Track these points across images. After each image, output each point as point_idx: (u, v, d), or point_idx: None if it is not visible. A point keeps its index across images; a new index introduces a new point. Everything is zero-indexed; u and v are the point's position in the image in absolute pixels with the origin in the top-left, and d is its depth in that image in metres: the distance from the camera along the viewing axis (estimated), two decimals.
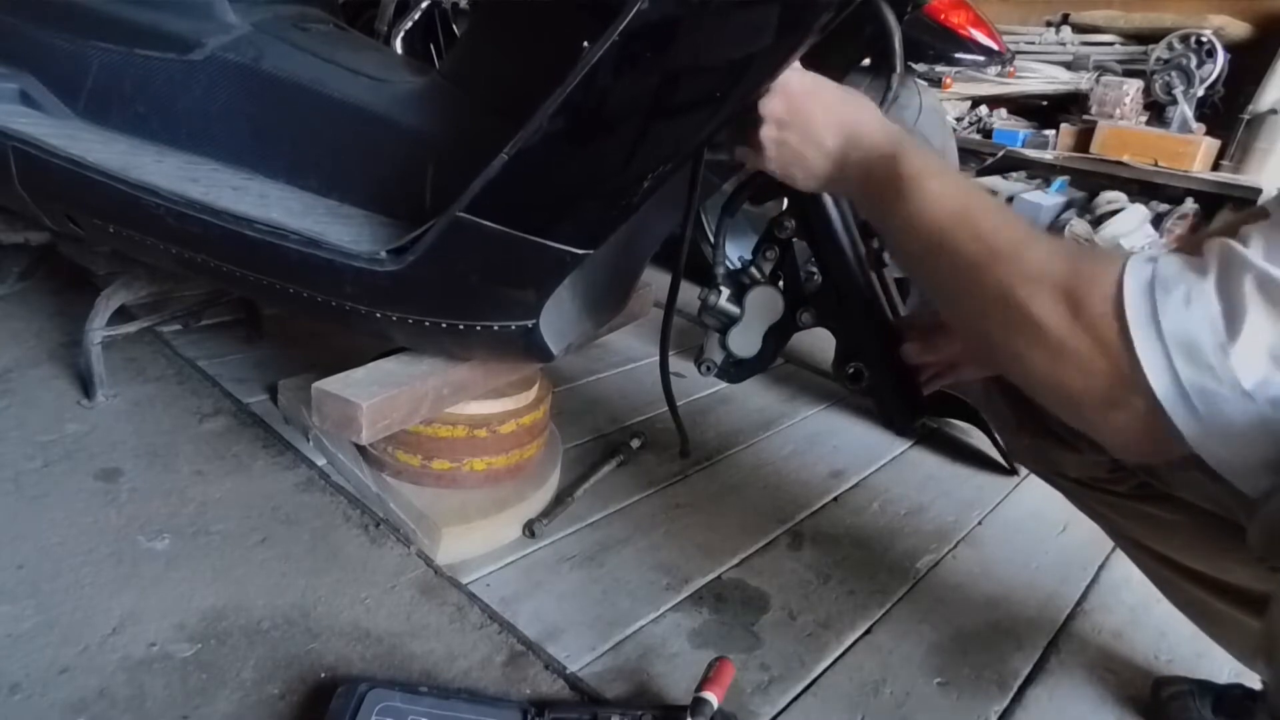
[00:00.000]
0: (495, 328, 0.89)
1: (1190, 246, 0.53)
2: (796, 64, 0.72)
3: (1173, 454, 0.49)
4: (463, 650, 0.88)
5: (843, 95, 0.72)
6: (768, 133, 0.71)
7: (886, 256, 0.86)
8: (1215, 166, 2.48)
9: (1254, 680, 0.86)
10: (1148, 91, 2.60)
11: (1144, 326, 0.47)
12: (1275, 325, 0.43)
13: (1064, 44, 2.83)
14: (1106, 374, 0.49)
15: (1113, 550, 1.19)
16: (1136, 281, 0.48)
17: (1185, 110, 2.52)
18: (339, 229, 0.93)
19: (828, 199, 0.83)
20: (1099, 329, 0.49)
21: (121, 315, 1.30)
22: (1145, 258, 0.49)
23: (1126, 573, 1.15)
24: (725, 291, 0.89)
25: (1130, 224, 2.31)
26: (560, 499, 1.16)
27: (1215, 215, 2.34)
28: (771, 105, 0.70)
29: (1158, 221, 2.38)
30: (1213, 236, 0.50)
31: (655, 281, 1.24)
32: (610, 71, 0.68)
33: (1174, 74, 2.55)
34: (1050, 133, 2.65)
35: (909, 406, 0.89)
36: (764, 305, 0.89)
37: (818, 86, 0.71)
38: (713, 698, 0.77)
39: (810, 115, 0.70)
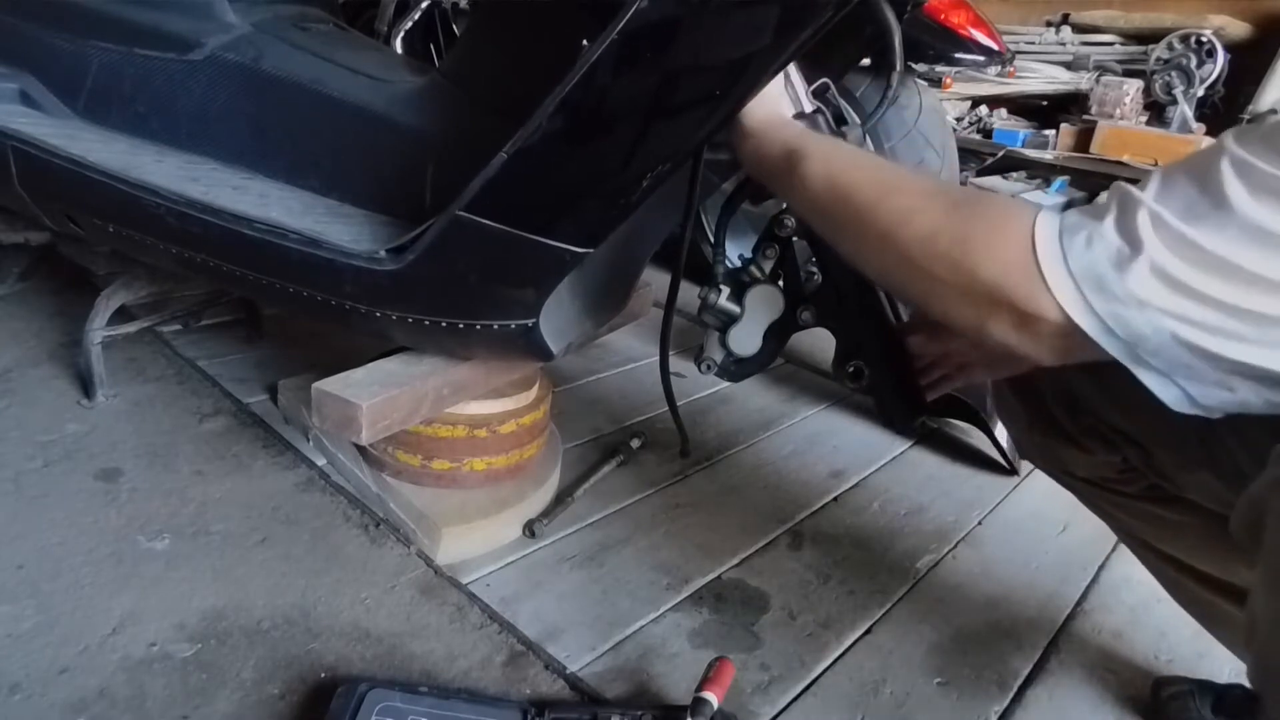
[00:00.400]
0: (495, 327, 0.89)
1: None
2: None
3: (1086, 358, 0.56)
4: (463, 650, 0.88)
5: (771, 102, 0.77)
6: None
7: None
8: None
9: None
10: (1148, 91, 2.60)
11: (1057, 271, 0.53)
12: (1162, 253, 0.50)
13: (1064, 44, 2.83)
14: (1032, 318, 0.55)
15: (1113, 550, 1.19)
16: (1046, 232, 0.54)
17: (1185, 110, 2.52)
18: (339, 228, 0.93)
19: None
20: (1020, 281, 0.55)
21: (121, 315, 1.30)
22: (1052, 210, 0.56)
23: (1126, 573, 1.15)
24: (725, 290, 0.89)
25: None
26: (560, 499, 1.16)
27: None
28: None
29: None
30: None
31: (655, 281, 1.24)
32: (609, 70, 0.68)
33: (1174, 74, 2.55)
34: (1050, 133, 2.65)
35: (909, 406, 0.90)
36: (764, 304, 0.89)
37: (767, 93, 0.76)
38: (713, 698, 0.77)
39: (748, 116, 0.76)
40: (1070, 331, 0.54)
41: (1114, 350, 0.53)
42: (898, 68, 0.86)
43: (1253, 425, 0.55)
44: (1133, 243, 0.51)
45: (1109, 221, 0.52)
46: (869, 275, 0.74)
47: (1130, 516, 0.85)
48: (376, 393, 0.92)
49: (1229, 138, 0.50)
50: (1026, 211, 0.56)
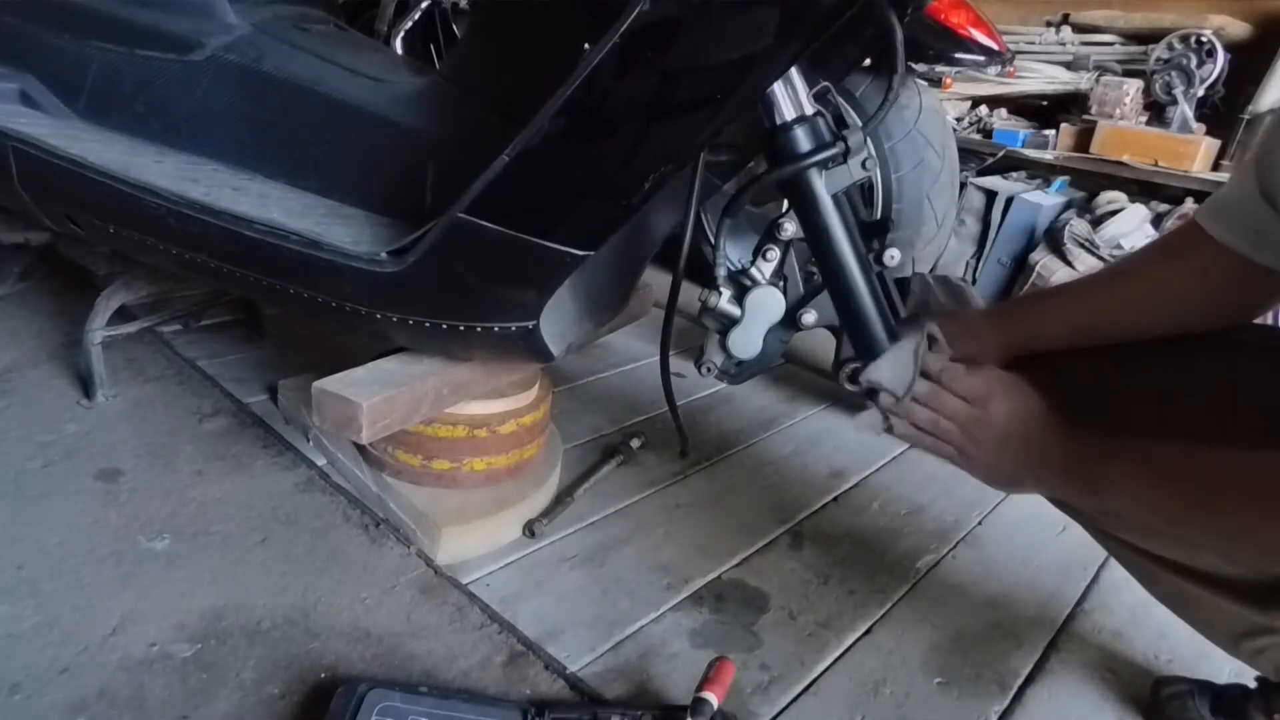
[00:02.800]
0: (496, 329, 0.89)
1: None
2: (1000, 379, 0.77)
3: None
4: (463, 650, 0.88)
5: (1043, 422, 0.74)
6: (978, 456, 0.77)
7: (886, 257, 0.86)
8: (1215, 166, 2.47)
9: (1253, 679, 0.86)
10: (1148, 91, 2.60)
11: None
12: None
13: (1064, 44, 2.83)
14: None
15: None
16: None
17: (1185, 110, 2.51)
18: (339, 229, 0.93)
19: (827, 201, 0.83)
20: None
21: (121, 315, 1.30)
22: None
23: (1126, 573, 1.15)
24: (726, 293, 0.89)
25: (1130, 224, 2.31)
26: (560, 499, 1.16)
27: None
28: (986, 433, 0.75)
29: (1158, 222, 2.38)
30: None
31: (656, 282, 1.24)
32: (611, 73, 0.68)
33: (1174, 74, 2.55)
34: (1050, 133, 2.64)
35: None
36: (764, 306, 0.89)
37: (1028, 411, 0.75)
38: (713, 698, 0.77)
39: (1022, 447, 0.74)
40: None
41: None
42: (900, 70, 0.86)
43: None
44: None
45: None
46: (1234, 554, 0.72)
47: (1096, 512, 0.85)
48: (376, 392, 0.92)
49: None
50: None
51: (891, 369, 0.80)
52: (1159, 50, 2.59)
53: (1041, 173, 2.67)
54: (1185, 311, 0.80)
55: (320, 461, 1.19)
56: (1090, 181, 2.56)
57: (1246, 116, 2.47)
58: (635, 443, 1.33)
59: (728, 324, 0.90)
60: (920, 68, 1.98)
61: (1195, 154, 2.37)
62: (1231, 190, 0.77)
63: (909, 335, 0.81)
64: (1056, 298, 0.91)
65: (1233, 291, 0.78)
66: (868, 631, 1.00)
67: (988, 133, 2.76)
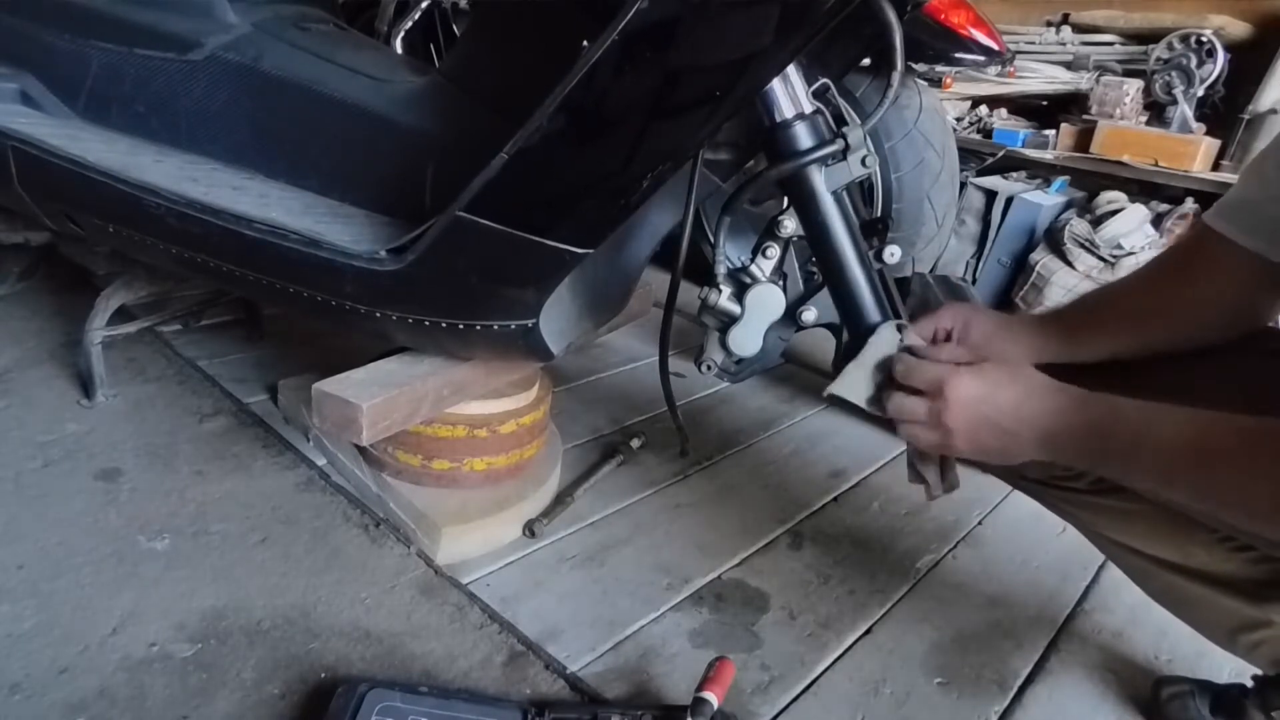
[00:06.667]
0: (495, 327, 0.89)
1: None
2: (954, 363, 0.73)
3: None
4: (463, 650, 0.88)
5: (1015, 388, 0.70)
6: (963, 443, 0.72)
7: (886, 255, 0.86)
8: (1215, 166, 2.47)
9: (1250, 678, 0.86)
10: (1148, 91, 2.60)
11: None
12: None
13: (1064, 44, 2.83)
14: None
15: None
16: None
17: (1185, 110, 2.51)
18: (339, 228, 0.93)
19: (827, 198, 0.83)
20: None
21: (121, 315, 1.30)
22: None
23: None
24: (725, 290, 0.89)
25: (1130, 224, 2.31)
26: (560, 499, 1.16)
27: None
28: (956, 419, 0.71)
29: (1158, 221, 2.37)
30: None
31: (655, 281, 1.24)
32: (609, 71, 0.68)
33: (1174, 74, 2.55)
34: (1050, 133, 2.64)
35: None
36: (764, 304, 0.89)
37: (990, 386, 0.71)
38: (713, 698, 0.77)
39: (996, 420, 0.70)
40: None
41: None
42: (899, 68, 0.86)
43: None
44: None
45: None
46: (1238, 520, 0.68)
47: (1085, 511, 0.85)
48: (376, 393, 0.92)
49: None
50: None
51: (849, 381, 0.80)
52: (1159, 50, 2.59)
53: (1041, 173, 2.67)
54: (1204, 318, 0.79)
55: (320, 461, 1.19)
56: (1090, 181, 2.56)
57: (1246, 116, 2.46)
58: (635, 443, 1.32)
59: (727, 322, 0.90)
60: (920, 68, 1.98)
61: (1195, 154, 2.37)
62: (1244, 190, 0.77)
63: (873, 343, 0.81)
64: (1084, 313, 0.89)
65: (1247, 293, 0.77)
66: (868, 631, 1.00)
67: (988, 133, 2.76)
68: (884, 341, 0.80)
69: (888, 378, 0.78)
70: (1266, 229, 0.73)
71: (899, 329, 0.81)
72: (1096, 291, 0.94)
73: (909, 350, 0.79)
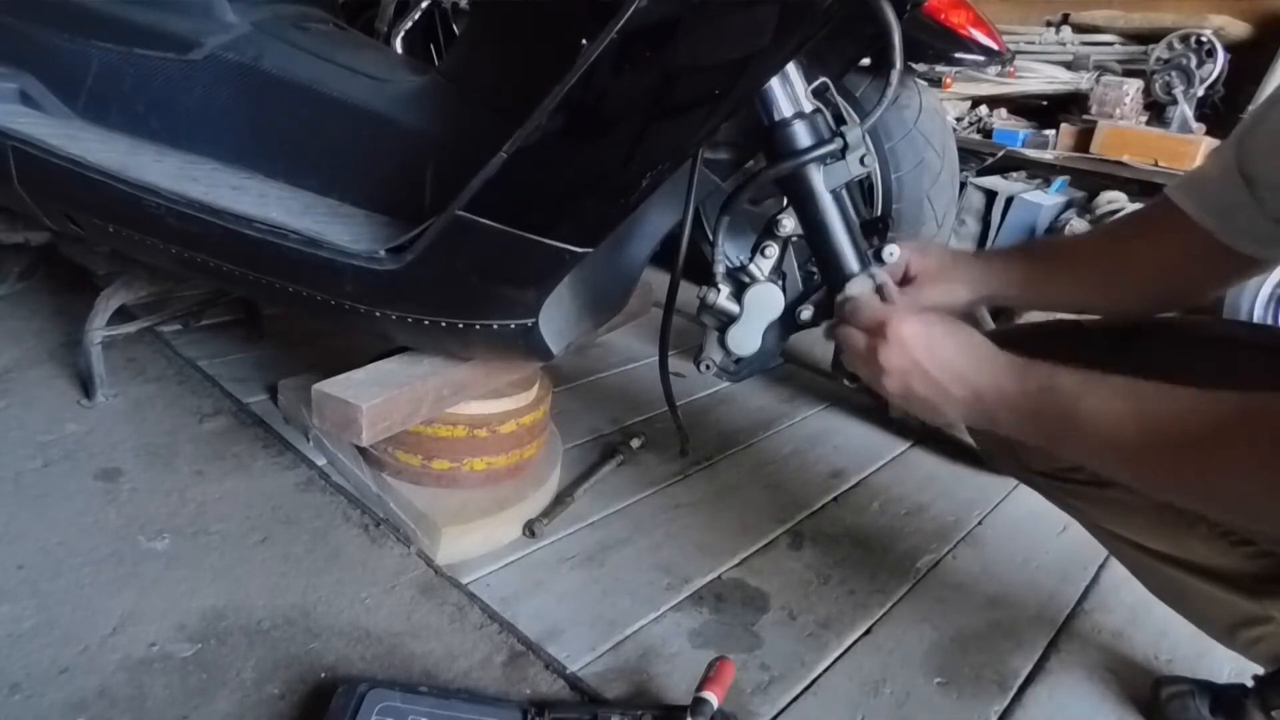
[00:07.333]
0: (495, 326, 0.89)
1: None
2: (905, 308, 0.74)
3: None
4: (463, 650, 0.88)
5: (956, 343, 0.69)
6: (892, 385, 0.71)
7: (885, 254, 0.87)
8: None
9: (1251, 678, 0.86)
10: (1148, 91, 2.60)
11: None
12: None
13: (1064, 44, 2.83)
14: None
15: None
16: None
17: (1185, 110, 2.52)
18: (338, 228, 0.93)
19: (826, 197, 0.83)
20: None
21: (121, 315, 1.30)
22: None
23: (1127, 572, 1.14)
24: (724, 289, 0.89)
25: None
26: (560, 499, 1.16)
27: None
28: (890, 358, 0.70)
29: None
30: None
31: (655, 281, 1.24)
32: (608, 70, 0.68)
33: (1174, 74, 2.55)
34: (1050, 133, 2.65)
35: None
36: (763, 303, 0.89)
37: (929, 335, 0.70)
38: (713, 698, 0.77)
39: (928, 369, 0.69)
40: None
41: None
42: (898, 67, 0.86)
43: None
44: None
45: None
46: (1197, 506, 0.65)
47: (1087, 503, 0.85)
48: (376, 394, 0.92)
49: None
50: None
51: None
52: (1159, 50, 2.59)
53: (1041, 173, 2.67)
54: (1151, 286, 0.81)
55: (320, 461, 1.19)
56: (1090, 181, 2.56)
57: (1246, 116, 2.47)
58: (635, 443, 1.32)
59: (726, 321, 0.90)
60: (920, 68, 1.98)
61: (1195, 154, 2.37)
62: (1206, 168, 0.79)
63: (847, 289, 0.83)
64: (1032, 260, 0.91)
65: (1191, 266, 0.79)
66: (868, 631, 1.00)
67: (988, 133, 2.76)
68: (854, 286, 0.82)
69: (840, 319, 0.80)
70: (1217, 209, 0.75)
71: (871, 275, 0.83)
72: (1054, 239, 0.95)
73: (879, 290, 0.82)
